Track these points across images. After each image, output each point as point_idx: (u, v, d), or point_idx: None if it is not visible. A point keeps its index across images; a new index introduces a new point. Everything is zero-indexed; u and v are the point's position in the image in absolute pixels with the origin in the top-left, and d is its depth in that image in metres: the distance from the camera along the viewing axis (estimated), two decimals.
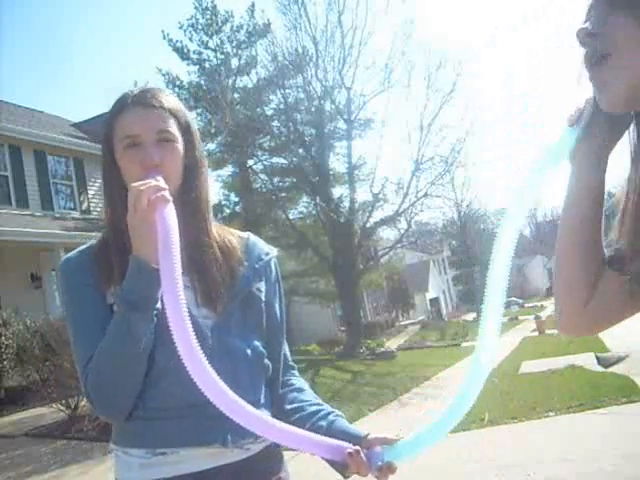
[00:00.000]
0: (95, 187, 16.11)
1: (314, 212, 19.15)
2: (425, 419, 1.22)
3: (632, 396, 6.54)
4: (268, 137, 19.12)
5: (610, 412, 6.16)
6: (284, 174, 19.79)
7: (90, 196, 15.97)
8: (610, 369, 9.05)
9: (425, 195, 18.81)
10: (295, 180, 19.26)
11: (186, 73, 21.12)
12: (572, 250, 0.96)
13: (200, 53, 20.56)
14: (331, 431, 1.18)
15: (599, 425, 5.85)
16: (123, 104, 1.22)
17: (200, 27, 20.46)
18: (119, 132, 1.21)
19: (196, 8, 20.36)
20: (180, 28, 20.54)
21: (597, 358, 10.18)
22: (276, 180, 19.96)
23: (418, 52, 24.69)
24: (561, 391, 7.47)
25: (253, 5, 20.62)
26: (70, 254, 1.28)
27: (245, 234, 1.39)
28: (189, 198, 1.26)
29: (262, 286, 1.32)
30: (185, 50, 20.54)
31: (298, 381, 1.38)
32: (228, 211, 19.76)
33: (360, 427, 1.24)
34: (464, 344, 17.58)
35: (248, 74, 20.23)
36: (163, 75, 20.00)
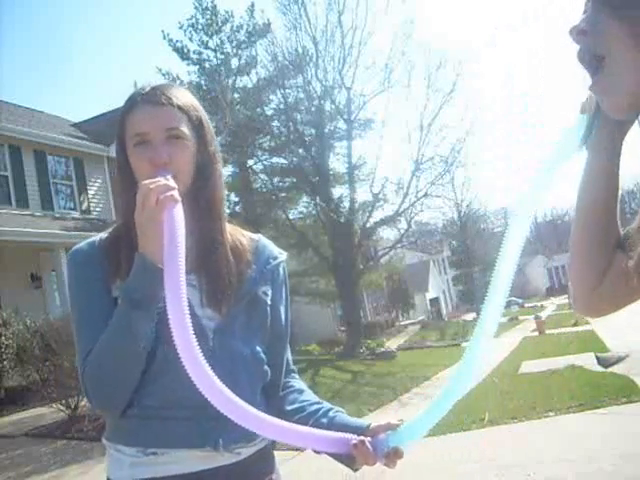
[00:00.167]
0: (95, 187, 16.11)
1: (314, 212, 19.16)
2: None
3: (632, 396, 6.54)
4: (268, 137, 19.13)
5: (610, 412, 6.16)
6: (284, 174, 19.80)
7: (90, 196, 15.97)
8: (610, 369, 9.05)
9: (425, 195, 18.83)
10: (295, 180, 19.27)
11: (186, 73, 21.04)
12: (586, 233, 0.98)
13: (200, 53, 20.55)
14: (333, 426, 1.18)
15: (599, 425, 5.84)
16: (134, 102, 1.22)
17: (200, 27, 20.45)
18: (129, 130, 1.21)
19: (196, 8, 20.36)
20: (180, 28, 20.54)
21: (597, 358, 10.18)
22: (276, 180, 19.96)
23: (418, 52, 24.73)
24: (561, 391, 7.47)
25: (253, 5, 20.62)
26: (79, 245, 1.28)
27: (256, 236, 1.38)
28: (202, 196, 1.25)
29: (268, 290, 1.31)
30: (185, 50, 20.53)
31: (297, 383, 1.38)
32: (228, 211, 19.60)
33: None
34: (464, 344, 17.55)
35: (248, 74, 20.23)
36: (163, 75, 19.97)
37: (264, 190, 20.10)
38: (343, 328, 20.82)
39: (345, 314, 19.46)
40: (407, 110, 36.84)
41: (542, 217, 72.66)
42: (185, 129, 1.21)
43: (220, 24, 20.53)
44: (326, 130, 18.72)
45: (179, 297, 1.00)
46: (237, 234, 1.32)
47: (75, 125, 17.63)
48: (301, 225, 19.28)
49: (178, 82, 20.28)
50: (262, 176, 20.06)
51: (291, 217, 19.27)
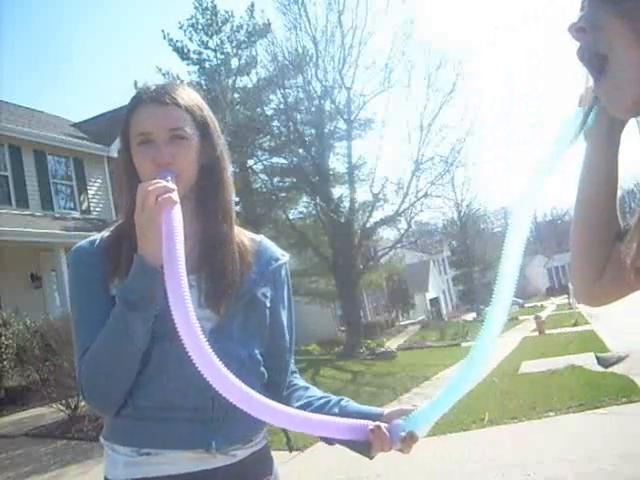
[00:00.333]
0: (95, 187, 16.11)
1: (314, 212, 19.17)
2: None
3: (632, 396, 6.53)
4: (268, 137, 19.14)
5: (610, 412, 6.15)
6: (284, 174, 19.80)
7: (90, 196, 15.97)
8: (610, 369, 9.04)
9: (425, 195, 18.84)
10: (295, 180, 19.28)
11: (186, 73, 21.02)
12: (587, 225, 0.98)
13: (200, 53, 20.55)
14: (347, 415, 1.17)
15: (599, 425, 5.84)
16: (138, 100, 1.22)
17: (200, 27, 20.44)
18: (133, 129, 1.21)
19: (196, 8, 20.35)
20: (180, 28, 20.53)
21: (597, 358, 10.17)
22: (276, 180, 19.97)
23: (418, 52, 24.71)
24: (561, 391, 7.46)
25: (253, 5, 20.61)
26: (81, 243, 1.28)
27: (258, 237, 1.38)
28: (207, 196, 1.25)
29: (268, 291, 1.30)
30: (185, 50, 20.53)
31: (301, 381, 1.38)
32: None
33: None
34: (464, 344, 17.57)
35: (248, 74, 20.22)
36: (163, 75, 19.96)
37: (264, 190, 20.10)
38: (343, 328, 20.82)
39: (345, 314, 19.46)
40: (407, 110, 36.85)
41: (542, 217, 72.73)
42: (189, 129, 1.21)
43: (220, 24, 20.53)
44: (326, 130, 18.72)
45: (181, 294, 1.00)
46: (240, 235, 1.32)
47: (75, 125, 17.64)
48: (301, 225, 19.28)
49: (183, 82, 20.29)
50: (262, 176, 20.07)
51: (291, 217, 19.28)
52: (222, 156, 1.29)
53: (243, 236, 1.33)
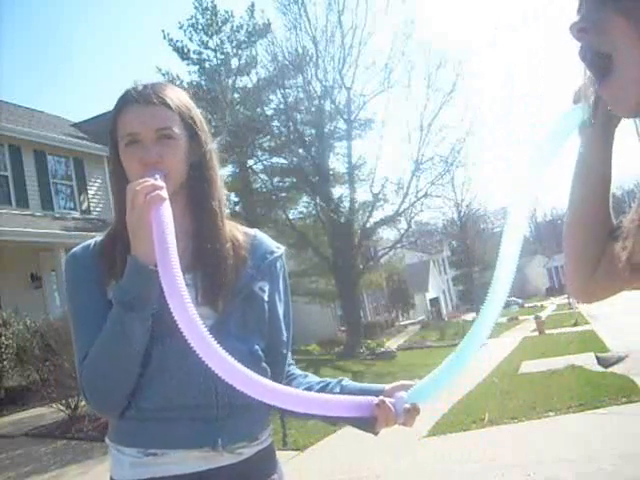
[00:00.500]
0: (95, 187, 16.10)
1: (314, 212, 19.18)
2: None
3: (632, 396, 6.53)
4: (268, 137, 19.15)
5: (610, 412, 6.15)
6: (284, 174, 19.81)
7: (90, 196, 15.97)
8: (610, 369, 9.04)
9: (425, 195, 18.87)
10: (295, 180, 19.29)
11: (186, 73, 21.09)
12: (581, 222, 0.99)
13: (200, 53, 20.57)
14: (348, 393, 1.19)
15: (599, 425, 5.84)
16: (125, 101, 1.22)
17: (200, 27, 20.46)
18: (121, 129, 1.20)
19: (196, 8, 20.37)
20: (180, 28, 20.55)
21: (597, 358, 10.17)
22: (276, 180, 19.98)
23: (418, 52, 24.73)
24: (561, 391, 7.46)
25: (253, 5, 20.63)
26: (75, 249, 1.29)
27: (252, 231, 1.37)
28: (196, 194, 1.25)
29: (265, 285, 1.30)
30: (185, 50, 20.54)
31: (298, 371, 1.39)
32: (228, 211, 19.66)
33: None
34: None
35: (248, 74, 20.24)
36: (163, 75, 19.97)
37: (264, 190, 20.11)
38: (343, 328, 20.83)
39: (345, 314, 19.47)
40: (407, 110, 36.93)
41: (542, 217, 72.72)
42: (176, 129, 1.21)
43: (220, 24, 20.54)
44: (326, 130, 18.73)
45: (177, 287, 1.01)
46: (233, 230, 1.32)
47: (75, 125, 17.63)
48: (301, 225, 19.29)
49: (177, 82, 20.30)
50: (262, 176, 20.08)
51: (291, 217, 19.30)
52: (210, 155, 1.29)
53: (236, 231, 1.32)
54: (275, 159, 19.92)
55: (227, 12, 20.72)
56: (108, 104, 1.28)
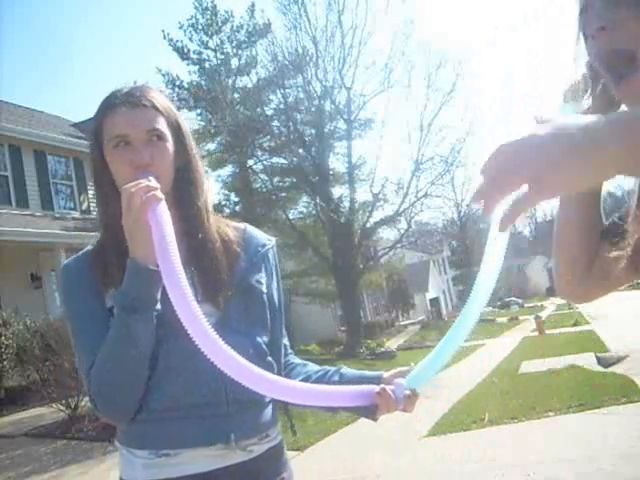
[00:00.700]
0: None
1: (314, 212, 19.18)
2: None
3: (632, 396, 6.53)
4: (268, 137, 19.15)
5: (610, 412, 6.15)
6: (284, 174, 19.81)
7: (90, 196, 15.95)
8: (610, 369, 9.03)
9: (425, 195, 18.87)
10: (295, 180, 19.29)
11: (186, 73, 21.12)
12: (572, 223, 0.98)
13: (200, 53, 20.57)
14: (349, 382, 1.21)
15: (599, 425, 5.84)
16: (112, 103, 1.20)
17: (200, 27, 20.46)
18: (108, 132, 1.19)
19: (196, 8, 20.37)
20: (180, 28, 20.55)
21: (597, 358, 10.16)
22: (276, 180, 19.98)
23: (418, 52, 24.77)
24: (561, 391, 7.46)
25: (253, 5, 20.64)
26: (68, 261, 1.29)
27: (242, 225, 1.38)
28: (182, 197, 1.25)
29: (262, 277, 1.31)
30: (185, 50, 20.54)
31: (297, 360, 1.41)
32: (228, 211, 19.78)
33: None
34: (464, 344, 17.56)
35: (248, 74, 20.24)
36: (163, 75, 20.01)
37: (264, 190, 20.11)
38: (343, 328, 20.82)
39: (345, 314, 19.47)
40: (407, 110, 36.96)
41: (542, 217, 72.68)
42: (165, 131, 1.21)
43: (220, 24, 20.54)
44: (326, 130, 18.73)
45: (180, 285, 1.01)
46: (222, 226, 1.32)
47: (75, 125, 17.63)
48: (301, 225, 19.29)
49: (177, 82, 20.30)
50: (262, 176, 20.08)
51: (291, 217, 19.29)
52: (195, 158, 1.29)
53: (226, 227, 1.33)
54: (275, 159, 19.93)
55: (227, 12, 20.74)
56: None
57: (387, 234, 23.99)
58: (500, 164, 0.62)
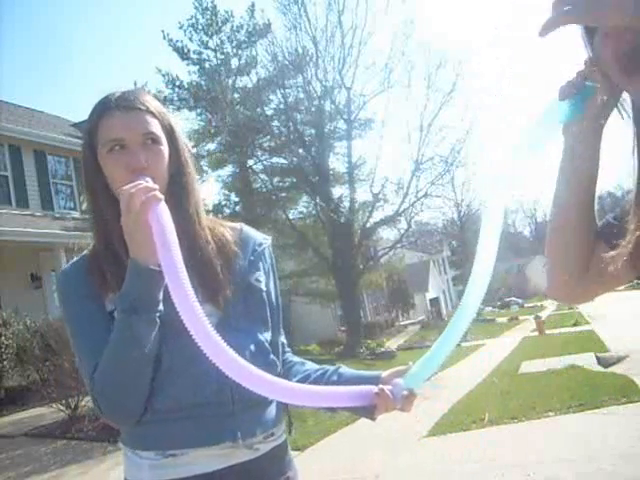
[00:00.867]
0: None
1: (314, 212, 19.18)
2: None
3: (632, 396, 6.53)
4: (268, 137, 19.15)
5: (610, 412, 6.15)
6: (284, 174, 19.81)
7: None
8: (610, 369, 9.03)
9: (425, 195, 18.87)
10: (295, 180, 19.29)
11: (186, 73, 21.08)
12: (566, 223, 0.97)
13: (200, 53, 20.55)
14: (347, 382, 1.21)
15: (599, 425, 5.84)
16: (106, 107, 1.20)
17: (200, 27, 20.44)
18: (103, 135, 1.18)
19: (196, 8, 20.36)
20: (180, 28, 20.54)
21: (597, 358, 10.16)
22: (276, 180, 19.99)
23: (418, 52, 24.76)
24: (561, 391, 7.46)
25: (253, 5, 20.62)
26: (65, 267, 1.29)
27: (237, 225, 1.39)
28: (176, 200, 1.25)
29: (260, 276, 1.32)
30: (185, 50, 20.53)
31: (295, 358, 1.41)
32: (228, 211, 19.78)
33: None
34: (464, 344, 17.56)
35: (248, 74, 20.23)
36: (163, 75, 19.99)
37: (264, 190, 20.11)
38: (343, 328, 20.82)
39: (345, 314, 19.47)
40: (407, 110, 36.87)
41: (542, 217, 72.62)
42: (160, 134, 1.21)
43: (220, 24, 20.53)
44: (326, 130, 18.74)
45: (182, 286, 1.01)
46: (217, 226, 1.32)
47: (75, 125, 17.62)
48: (301, 225, 19.29)
49: (177, 82, 20.30)
50: (262, 176, 20.08)
51: (291, 217, 19.30)
52: (187, 162, 1.29)
53: (222, 228, 1.33)
54: (275, 159, 19.93)
55: (227, 12, 20.73)
56: None
57: (387, 234, 24.02)
58: None
